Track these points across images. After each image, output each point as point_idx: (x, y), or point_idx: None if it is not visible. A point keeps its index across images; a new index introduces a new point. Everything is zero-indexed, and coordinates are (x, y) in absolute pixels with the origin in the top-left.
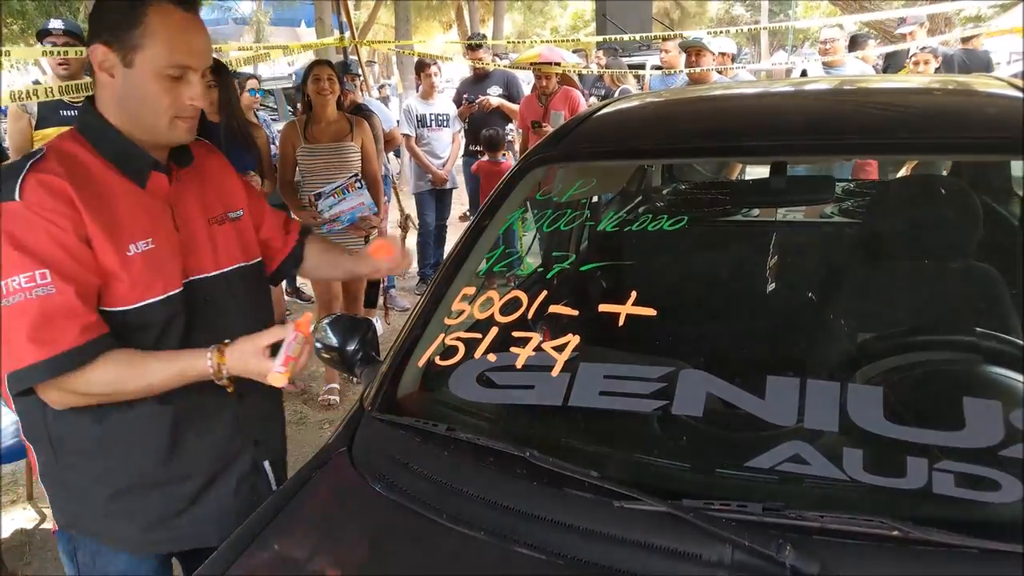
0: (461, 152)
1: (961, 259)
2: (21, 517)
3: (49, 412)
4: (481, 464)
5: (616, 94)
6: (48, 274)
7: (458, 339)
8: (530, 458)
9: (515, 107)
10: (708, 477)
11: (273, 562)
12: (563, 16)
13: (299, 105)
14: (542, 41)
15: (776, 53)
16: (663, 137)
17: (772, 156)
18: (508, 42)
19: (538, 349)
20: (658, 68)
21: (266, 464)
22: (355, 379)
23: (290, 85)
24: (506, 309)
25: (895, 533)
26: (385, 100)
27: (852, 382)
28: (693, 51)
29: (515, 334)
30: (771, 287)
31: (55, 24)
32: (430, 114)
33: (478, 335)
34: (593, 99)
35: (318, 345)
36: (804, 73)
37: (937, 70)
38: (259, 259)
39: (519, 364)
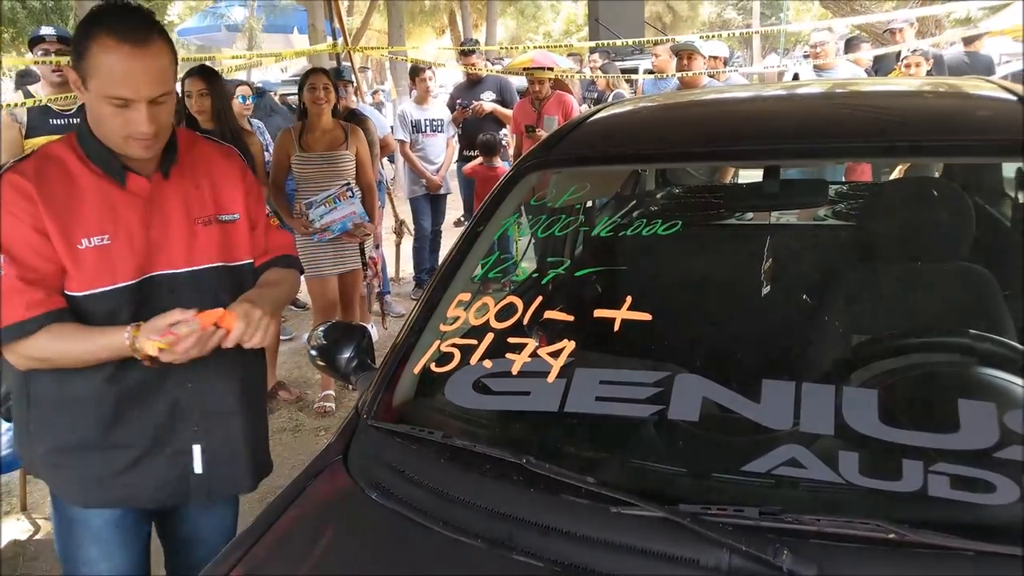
0: (455, 157)
1: (954, 260)
2: (15, 528)
3: (30, 373)
4: (478, 471)
5: (609, 98)
6: (2, 259)
7: (454, 345)
8: (527, 464)
9: (509, 112)
10: (704, 482)
11: (269, 572)
12: (556, 20)
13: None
14: (535, 46)
15: (768, 56)
16: (657, 142)
17: (766, 160)
18: (501, 47)
19: (534, 355)
20: (651, 72)
21: (196, 448)
22: (351, 386)
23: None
24: (501, 315)
25: (891, 536)
26: (379, 106)
27: (847, 385)
28: (685, 55)
29: (511, 340)
30: (765, 290)
31: (47, 31)
32: (425, 119)
33: (473, 341)
34: (585, 105)
35: (312, 352)
36: (796, 76)
37: (929, 72)
38: (247, 262)
39: (515, 370)
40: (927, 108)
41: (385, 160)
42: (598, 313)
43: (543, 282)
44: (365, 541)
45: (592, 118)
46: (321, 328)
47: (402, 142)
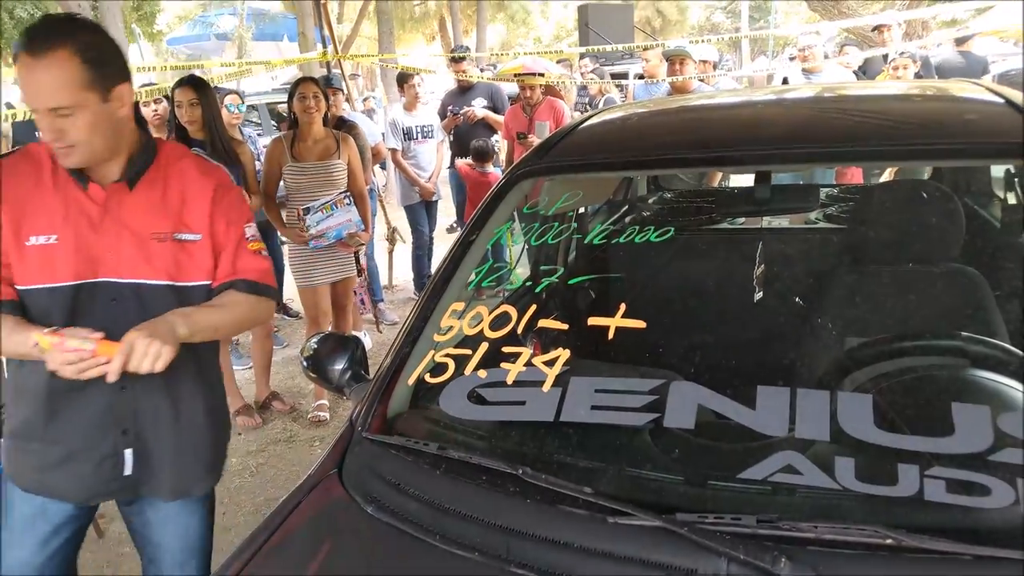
0: (446, 164)
1: (945, 262)
2: None
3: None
4: (474, 483)
5: (600, 104)
6: None
7: (448, 356)
8: (523, 475)
9: (500, 118)
10: (701, 490)
11: None
12: (546, 26)
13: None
14: (525, 52)
15: (757, 59)
16: (650, 148)
17: (757, 165)
18: (491, 53)
19: (528, 364)
20: (641, 77)
21: (127, 452)
22: (344, 397)
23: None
24: (495, 324)
25: (888, 541)
26: (370, 113)
27: (841, 390)
28: (677, 60)
29: (505, 349)
30: (758, 296)
31: None
32: (416, 126)
33: (468, 351)
34: (576, 112)
35: (305, 364)
36: (785, 80)
37: (917, 74)
38: (201, 283)
39: (510, 380)
40: (915, 111)
41: (377, 167)
42: (592, 321)
43: (537, 290)
44: (361, 556)
45: (584, 124)
46: (314, 340)
47: (394, 150)
